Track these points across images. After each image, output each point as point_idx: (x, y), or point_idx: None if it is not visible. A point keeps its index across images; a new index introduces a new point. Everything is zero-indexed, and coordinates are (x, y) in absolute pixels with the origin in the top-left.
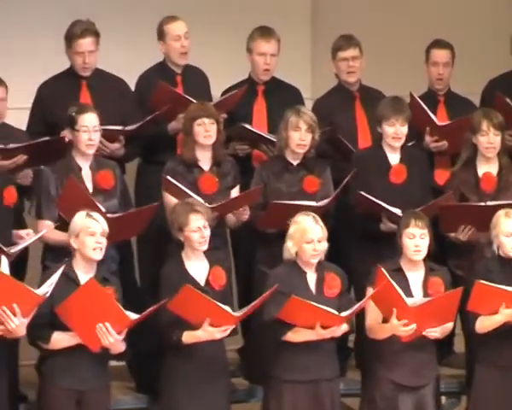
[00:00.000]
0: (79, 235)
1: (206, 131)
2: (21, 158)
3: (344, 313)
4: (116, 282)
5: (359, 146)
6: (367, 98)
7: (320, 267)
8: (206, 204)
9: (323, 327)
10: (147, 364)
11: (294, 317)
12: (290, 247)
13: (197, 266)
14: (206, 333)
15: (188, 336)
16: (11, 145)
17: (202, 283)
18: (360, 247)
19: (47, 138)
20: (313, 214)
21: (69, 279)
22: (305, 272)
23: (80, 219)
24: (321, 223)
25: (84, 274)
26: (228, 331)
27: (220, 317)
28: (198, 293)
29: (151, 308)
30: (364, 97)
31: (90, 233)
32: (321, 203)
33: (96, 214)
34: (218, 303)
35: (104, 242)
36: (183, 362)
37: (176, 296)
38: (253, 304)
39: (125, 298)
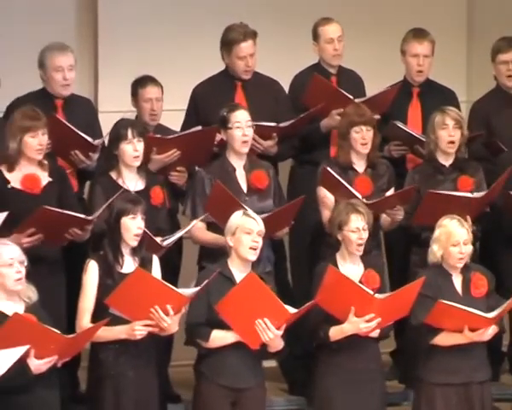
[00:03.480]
0: (236, 233)
1: (364, 138)
2: (175, 153)
3: (491, 315)
4: (271, 281)
5: None
6: None
7: (465, 269)
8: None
9: (472, 330)
10: (300, 365)
11: (442, 321)
12: (436, 250)
13: (351, 268)
14: (351, 325)
15: (334, 331)
16: (167, 136)
17: None
18: (509, 248)
19: (200, 128)
20: (458, 217)
21: (224, 278)
22: (451, 275)
23: (237, 217)
24: (466, 226)
25: (240, 273)
26: (373, 323)
27: (363, 301)
28: (340, 273)
29: (309, 303)
30: None
31: (247, 232)
32: (476, 195)
33: (253, 213)
34: (359, 284)
35: (260, 241)
36: (337, 363)
37: (321, 283)
38: (392, 293)
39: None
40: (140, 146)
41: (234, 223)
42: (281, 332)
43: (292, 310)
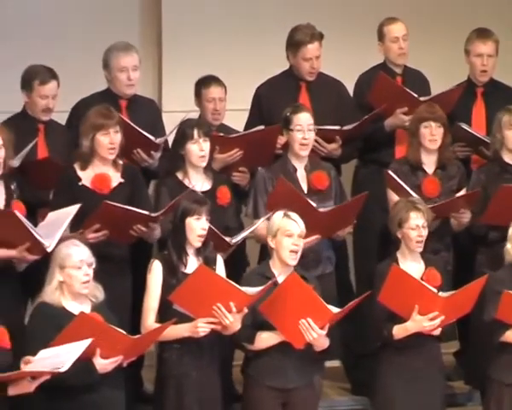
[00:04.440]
0: (277, 235)
1: (432, 134)
2: (237, 153)
3: None
4: (314, 280)
5: None
6: None
7: None
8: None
9: None
10: (363, 365)
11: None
12: (509, 248)
13: (412, 266)
14: (415, 323)
15: (398, 330)
16: (230, 135)
17: None
18: None
19: (262, 127)
20: None
21: (266, 279)
22: None
23: (278, 218)
24: None
25: (281, 274)
26: (437, 321)
27: (427, 300)
28: (404, 272)
29: (353, 302)
30: None
31: (288, 234)
32: None
33: (294, 215)
34: (424, 283)
35: (301, 244)
36: (399, 362)
37: (385, 281)
38: (456, 291)
39: (338, 300)
40: (206, 146)
41: (275, 224)
42: (324, 332)
43: (335, 310)
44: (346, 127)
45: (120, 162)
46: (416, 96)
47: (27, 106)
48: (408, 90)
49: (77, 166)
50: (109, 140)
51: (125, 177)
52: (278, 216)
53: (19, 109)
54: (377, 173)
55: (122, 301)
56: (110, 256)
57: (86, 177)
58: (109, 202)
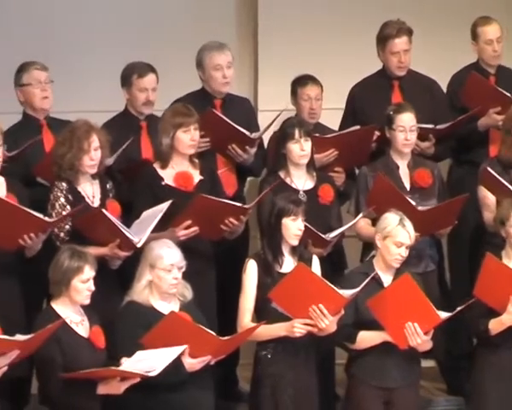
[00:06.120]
0: (386, 239)
1: None
2: (333, 153)
3: None
4: (416, 276)
5: None
6: None
7: None
8: None
9: None
10: (459, 366)
11: None
12: None
13: None
14: (509, 316)
15: (494, 324)
16: (326, 136)
17: None
18: None
19: (358, 127)
20: None
21: (371, 279)
22: None
23: (393, 223)
24: None
25: (385, 273)
26: None
27: None
28: (498, 261)
29: (461, 307)
30: None
31: (397, 244)
32: None
33: (408, 225)
34: None
35: (407, 253)
36: (495, 358)
37: (480, 273)
38: None
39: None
40: (307, 145)
41: (387, 228)
42: (429, 337)
43: (444, 315)
44: (439, 126)
45: (196, 160)
46: (509, 95)
47: (129, 103)
48: (501, 90)
49: (157, 166)
50: (190, 137)
51: (204, 174)
52: (393, 221)
53: (121, 109)
54: (471, 173)
55: (207, 301)
56: (195, 256)
57: (168, 176)
58: (204, 194)
